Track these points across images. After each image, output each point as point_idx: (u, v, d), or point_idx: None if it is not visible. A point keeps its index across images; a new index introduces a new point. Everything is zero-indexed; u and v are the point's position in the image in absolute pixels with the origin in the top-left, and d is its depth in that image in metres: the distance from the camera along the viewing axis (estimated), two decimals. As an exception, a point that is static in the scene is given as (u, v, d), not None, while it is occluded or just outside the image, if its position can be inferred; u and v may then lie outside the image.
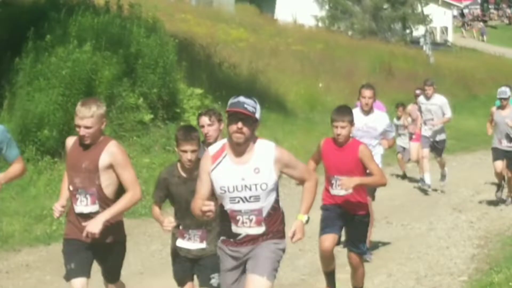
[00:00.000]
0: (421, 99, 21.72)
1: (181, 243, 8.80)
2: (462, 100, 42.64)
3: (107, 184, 9.25)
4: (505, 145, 18.73)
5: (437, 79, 31.43)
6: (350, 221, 10.79)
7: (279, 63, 39.89)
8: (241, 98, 7.51)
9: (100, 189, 8.99)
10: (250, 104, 7.21)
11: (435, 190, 23.36)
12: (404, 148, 25.10)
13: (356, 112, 12.66)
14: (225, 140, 7.59)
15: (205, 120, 10.38)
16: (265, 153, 7.47)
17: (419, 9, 68.53)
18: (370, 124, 13.12)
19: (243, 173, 7.38)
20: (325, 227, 10.91)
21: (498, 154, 18.95)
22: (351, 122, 10.19)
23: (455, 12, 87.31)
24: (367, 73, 41.80)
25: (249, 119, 7.10)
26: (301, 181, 8.18)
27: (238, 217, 7.57)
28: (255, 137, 7.54)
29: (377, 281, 14.20)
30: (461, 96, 43.79)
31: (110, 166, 9.09)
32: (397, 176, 26.16)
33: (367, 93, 13.20)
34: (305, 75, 38.89)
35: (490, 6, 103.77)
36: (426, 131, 21.25)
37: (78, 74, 21.72)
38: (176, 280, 9.10)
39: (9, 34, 22.90)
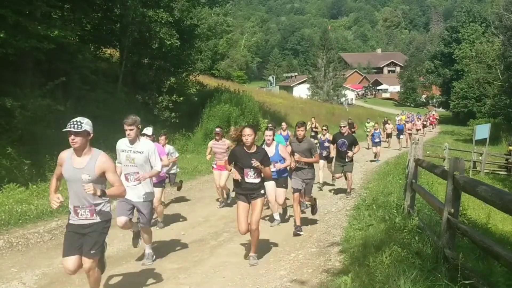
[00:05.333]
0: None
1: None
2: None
3: None
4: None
5: (349, 117, 35.75)
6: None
7: (293, 111, 44.86)
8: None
9: None
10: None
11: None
12: None
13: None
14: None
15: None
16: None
17: (343, 92, 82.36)
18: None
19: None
20: None
21: None
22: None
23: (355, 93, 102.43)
24: (325, 115, 47.41)
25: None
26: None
27: None
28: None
29: (327, 186, 17.36)
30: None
31: None
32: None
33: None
34: (302, 115, 41.46)
35: (367, 91, 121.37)
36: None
37: (223, 114, 26.61)
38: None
39: (201, 100, 27.71)
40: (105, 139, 14.65)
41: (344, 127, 15.41)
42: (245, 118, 28.74)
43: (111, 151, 15.19)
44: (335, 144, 15.32)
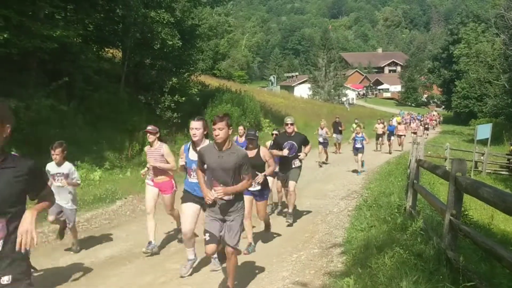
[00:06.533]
0: None
1: None
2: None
3: None
4: None
5: (350, 117, 36.31)
6: None
7: (293, 110, 42.79)
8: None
9: None
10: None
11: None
12: None
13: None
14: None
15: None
16: None
17: (344, 92, 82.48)
18: None
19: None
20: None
21: None
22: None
23: (356, 92, 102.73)
24: (325, 115, 45.45)
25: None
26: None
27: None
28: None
29: (329, 186, 17.18)
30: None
31: None
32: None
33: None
34: (303, 114, 42.54)
35: (368, 90, 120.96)
36: None
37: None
38: None
39: (202, 100, 28.06)
40: (107, 139, 14.69)
41: (292, 124, 11.44)
42: (246, 118, 28.91)
43: (113, 150, 15.30)
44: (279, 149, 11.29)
